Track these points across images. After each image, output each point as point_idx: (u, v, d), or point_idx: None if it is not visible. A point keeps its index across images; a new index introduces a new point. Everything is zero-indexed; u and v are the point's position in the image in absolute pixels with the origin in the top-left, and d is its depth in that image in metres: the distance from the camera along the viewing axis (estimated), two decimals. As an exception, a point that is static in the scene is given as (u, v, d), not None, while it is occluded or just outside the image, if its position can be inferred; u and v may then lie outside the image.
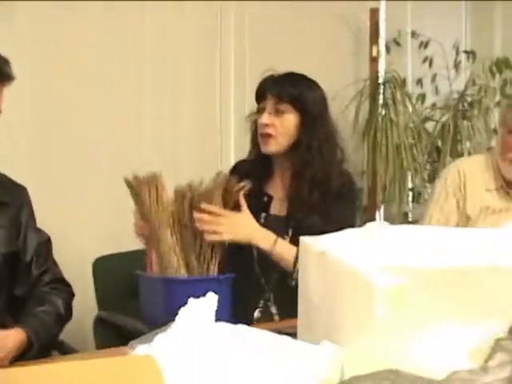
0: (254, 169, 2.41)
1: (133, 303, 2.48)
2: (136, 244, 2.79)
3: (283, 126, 2.33)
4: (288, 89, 2.34)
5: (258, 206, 2.36)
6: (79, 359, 1.72)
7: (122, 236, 3.10)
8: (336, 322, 1.08)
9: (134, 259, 2.62)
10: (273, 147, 2.35)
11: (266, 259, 2.27)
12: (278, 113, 2.33)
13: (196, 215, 2.08)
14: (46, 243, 2.15)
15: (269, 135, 2.33)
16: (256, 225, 2.24)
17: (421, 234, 1.21)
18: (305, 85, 2.39)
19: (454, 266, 1.04)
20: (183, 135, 3.32)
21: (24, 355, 1.87)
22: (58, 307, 2.05)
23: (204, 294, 2.27)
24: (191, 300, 1.17)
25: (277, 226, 2.33)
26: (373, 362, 0.94)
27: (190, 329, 1.09)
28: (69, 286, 2.18)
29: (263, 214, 2.37)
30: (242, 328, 1.13)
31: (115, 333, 2.40)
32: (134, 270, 2.36)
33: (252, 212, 2.25)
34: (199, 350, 1.05)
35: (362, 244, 1.14)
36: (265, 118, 2.33)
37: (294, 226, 2.32)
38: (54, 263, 2.18)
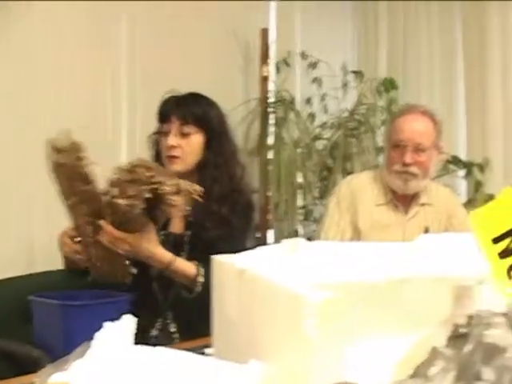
0: None
1: (24, 329, 2.38)
2: (23, 269, 2.69)
3: (190, 147, 2.35)
4: (192, 110, 2.35)
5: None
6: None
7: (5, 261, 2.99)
8: (261, 340, 1.06)
9: (25, 284, 2.52)
10: (179, 167, 2.35)
11: (164, 275, 2.25)
12: (183, 135, 2.34)
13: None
14: None
15: (176, 156, 2.34)
16: (155, 247, 2.19)
17: (337, 249, 1.22)
18: (206, 104, 2.41)
19: (379, 280, 1.05)
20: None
21: None
22: None
23: (102, 317, 2.21)
24: (107, 324, 1.13)
25: (175, 243, 2.34)
26: (304, 378, 0.93)
27: (107, 353, 1.04)
28: None
29: (162, 232, 2.35)
30: (161, 350, 1.10)
31: (7, 361, 2.29)
32: (26, 295, 2.27)
33: None
34: (119, 374, 1.01)
35: (282, 261, 1.14)
36: (171, 140, 2.33)
37: (191, 243, 2.33)
38: None
